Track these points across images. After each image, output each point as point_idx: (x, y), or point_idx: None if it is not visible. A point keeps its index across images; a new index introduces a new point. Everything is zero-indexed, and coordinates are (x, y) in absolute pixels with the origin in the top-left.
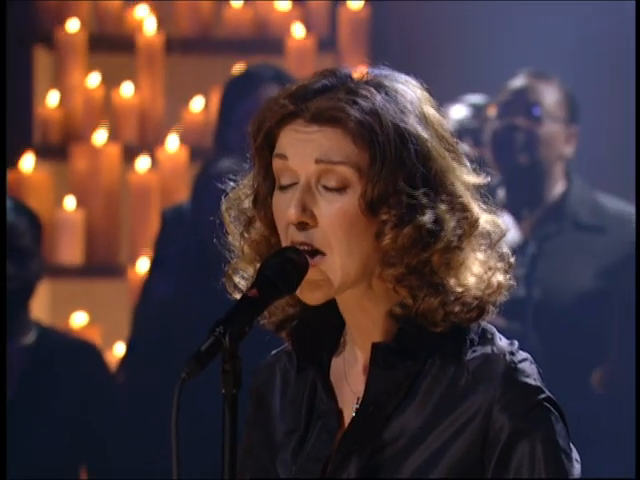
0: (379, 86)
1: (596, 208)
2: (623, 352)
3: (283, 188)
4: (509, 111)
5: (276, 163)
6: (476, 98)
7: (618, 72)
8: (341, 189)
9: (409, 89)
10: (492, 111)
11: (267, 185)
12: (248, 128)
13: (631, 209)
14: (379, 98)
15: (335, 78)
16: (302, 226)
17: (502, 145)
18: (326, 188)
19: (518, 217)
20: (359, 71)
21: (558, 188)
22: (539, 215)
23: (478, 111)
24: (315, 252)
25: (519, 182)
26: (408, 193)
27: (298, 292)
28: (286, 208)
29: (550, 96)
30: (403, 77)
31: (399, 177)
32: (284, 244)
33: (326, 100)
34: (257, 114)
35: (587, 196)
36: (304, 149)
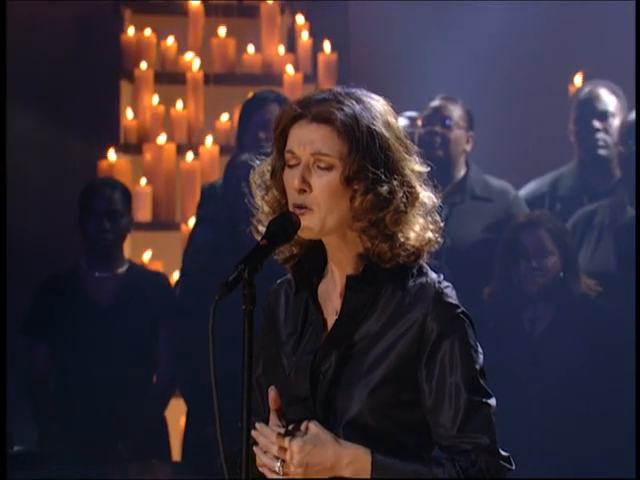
0: (359, 100)
1: (485, 185)
2: (501, 277)
3: (291, 167)
4: (430, 122)
5: (287, 154)
6: (410, 113)
7: (502, 94)
8: (328, 168)
9: (379, 103)
10: (419, 122)
11: (280, 163)
12: (262, 130)
13: (508, 185)
14: (358, 107)
15: (329, 93)
16: (302, 191)
17: (425, 144)
18: (319, 167)
19: (435, 191)
20: (346, 89)
21: (461, 172)
22: (449, 190)
23: (412, 121)
24: (306, 208)
25: (436, 168)
26: (373, 172)
27: None
28: (292, 180)
29: (456, 112)
30: (375, 96)
31: (367, 161)
32: (290, 203)
33: (322, 106)
34: (278, 115)
35: (479, 177)
36: (305, 145)
